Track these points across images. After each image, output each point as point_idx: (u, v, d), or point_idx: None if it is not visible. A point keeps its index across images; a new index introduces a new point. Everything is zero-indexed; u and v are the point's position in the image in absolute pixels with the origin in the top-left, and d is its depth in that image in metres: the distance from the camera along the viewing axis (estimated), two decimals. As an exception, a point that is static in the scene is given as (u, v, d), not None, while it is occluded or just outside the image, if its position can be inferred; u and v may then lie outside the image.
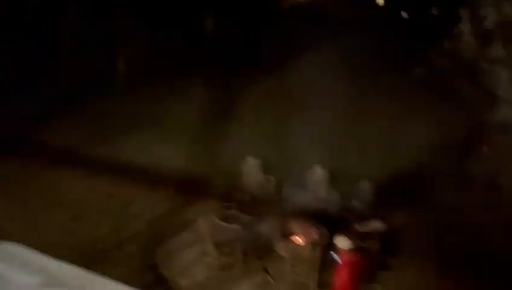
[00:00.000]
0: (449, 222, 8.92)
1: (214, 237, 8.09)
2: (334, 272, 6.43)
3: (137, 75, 15.85)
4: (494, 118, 6.34)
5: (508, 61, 6.30)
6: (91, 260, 8.14)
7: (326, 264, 7.74)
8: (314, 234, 7.74)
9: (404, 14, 17.87)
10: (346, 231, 7.98)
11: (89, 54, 16.04)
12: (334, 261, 6.62)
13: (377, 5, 19.93)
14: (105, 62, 16.00)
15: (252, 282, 7.62)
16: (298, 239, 7.98)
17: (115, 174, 10.85)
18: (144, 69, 16.04)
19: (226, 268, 7.82)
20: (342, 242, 6.41)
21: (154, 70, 16.25)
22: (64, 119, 13.60)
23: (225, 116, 13.59)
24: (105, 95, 14.92)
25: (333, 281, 6.42)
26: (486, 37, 6.37)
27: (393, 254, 8.12)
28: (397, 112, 13.11)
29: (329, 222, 8.36)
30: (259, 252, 8.16)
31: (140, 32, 16.03)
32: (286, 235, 8.17)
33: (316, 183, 9.42)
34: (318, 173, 9.45)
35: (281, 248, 8.00)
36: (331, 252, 6.97)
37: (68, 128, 13.17)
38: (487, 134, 6.70)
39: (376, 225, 8.38)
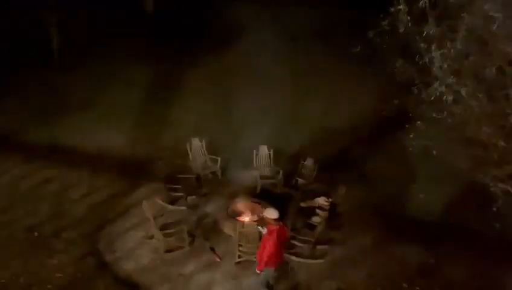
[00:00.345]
0: (387, 193, 9.36)
1: (159, 219, 7.97)
2: (261, 242, 6.77)
3: (73, 55, 15.06)
4: (428, 95, 6.63)
5: (441, 40, 6.57)
6: (28, 249, 7.78)
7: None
8: (260, 213, 7.81)
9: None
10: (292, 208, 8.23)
11: (20, 33, 15.02)
12: (261, 233, 7.02)
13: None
14: (38, 42, 15.04)
15: (199, 262, 7.59)
16: (244, 218, 8.04)
17: (52, 159, 10.33)
18: (80, 49, 15.26)
19: (172, 250, 7.75)
20: (268, 213, 6.72)
21: (92, 50, 15.51)
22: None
23: (168, 97, 13.27)
24: (40, 76, 14.10)
25: (260, 250, 6.72)
26: (422, 15, 6.60)
27: (337, 227, 8.39)
28: (337, 91, 13.43)
29: (275, 200, 8.49)
30: (206, 233, 8.15)
31: (76, 10, 15.14)
32: (232, 214, 8.21)
33: (261, 162, 9.50)
34: (263, 152, 9.52)
35: (227, 227, 8.03)
36: (257, 225, 7.33)
37: (1, 112, 12.35)
38: (421, 110, 7.02)
39: (320, 201, 8.60)
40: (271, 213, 6.70)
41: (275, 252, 6.57)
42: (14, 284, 7.09)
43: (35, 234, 8.09)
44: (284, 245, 6.95)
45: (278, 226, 6.64)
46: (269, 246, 6.55)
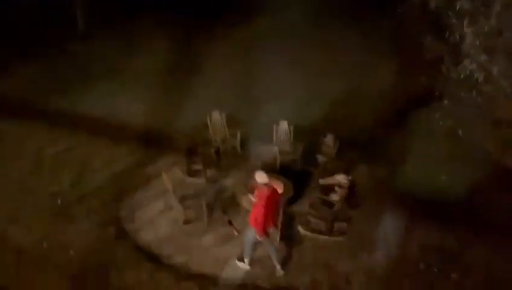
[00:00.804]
0: (408, 173, 9.18)
1: (179, 191, 8.03)
2: (252, 207, 6.81)
3: (95, 25, 15.07)
4: (457, 73, 6.40)
5: (473, 15, 6.30)
6: (51, 215, 7.98)
7: (290, 216, 7.91)
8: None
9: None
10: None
11: (44, 4, 15.09)
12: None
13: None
14: (62, 12, 15.09)
15: (216, 235, 7.67)
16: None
17: (74, 127, 10.48)
18: (103, 19, 15.24)
19: (191, 222, 7.83)
20: (258, 176, 6.68)
21: (114, 20, 15.48)
22: (20, 70, 12.90)
23: (189, 69, 13.20)
24: (64, 45, 14.21)
25: (250, 215, 6.76)
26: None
27: (355, 206, 8.32)
28: (362, 66, 13.12)
29: (294, 176, 8.45)
30: (224, 206, 8.20)
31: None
32: (251, 189, 8.21)
33: (281, 138, 9.42)
34: (283, 127, 9.43)
35: (245, 201, 8.04)
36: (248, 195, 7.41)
37: (24, 79, 12.53)
38: (448, 88, 6.79)
39: (340, 179, 8.51)
40: (260, 176, 6.66)
41: (266, 215, 6.55)
42: (37, 248, 7.30)
43: (59, 201, 8.27)
44: (276, 207, 6.91)
45: (267, 190, 6.60)
46: (259, 209, 6.55)
